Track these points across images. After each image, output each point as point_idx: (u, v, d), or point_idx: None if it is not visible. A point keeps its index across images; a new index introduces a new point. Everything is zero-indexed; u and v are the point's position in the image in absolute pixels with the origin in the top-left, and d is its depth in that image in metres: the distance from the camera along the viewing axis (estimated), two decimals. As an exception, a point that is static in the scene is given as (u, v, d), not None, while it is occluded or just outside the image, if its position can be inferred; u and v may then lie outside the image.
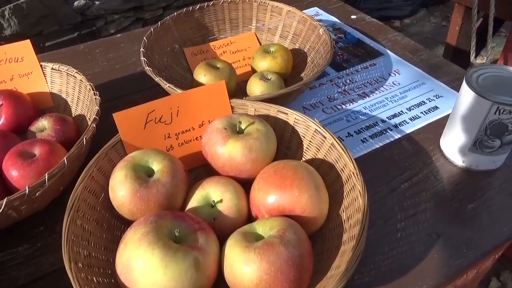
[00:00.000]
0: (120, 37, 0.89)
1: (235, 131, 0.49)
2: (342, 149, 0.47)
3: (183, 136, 0.53)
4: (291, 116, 0.53)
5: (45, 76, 0.63)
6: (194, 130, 0.54)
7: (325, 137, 0.50)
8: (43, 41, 2.14)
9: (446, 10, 3.09)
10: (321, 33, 0.70)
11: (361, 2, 2.97)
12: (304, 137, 0.53)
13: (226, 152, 0.47)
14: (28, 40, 0.61)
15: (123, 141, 0.49)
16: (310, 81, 0.60)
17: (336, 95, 0.72)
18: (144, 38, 0.67)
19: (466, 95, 0.52)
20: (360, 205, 0.41)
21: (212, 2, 0.78)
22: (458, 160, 0.57)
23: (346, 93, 0.72)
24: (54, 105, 0.64)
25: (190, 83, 0.74)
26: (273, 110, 0.54)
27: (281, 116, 0.54)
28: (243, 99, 0.56)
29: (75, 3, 2.17)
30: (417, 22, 2.97)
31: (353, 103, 0.70)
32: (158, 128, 0.51)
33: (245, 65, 0.77)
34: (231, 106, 0.55)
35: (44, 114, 0.58)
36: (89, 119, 0.59)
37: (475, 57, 1.06)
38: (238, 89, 0.72)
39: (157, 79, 0.60)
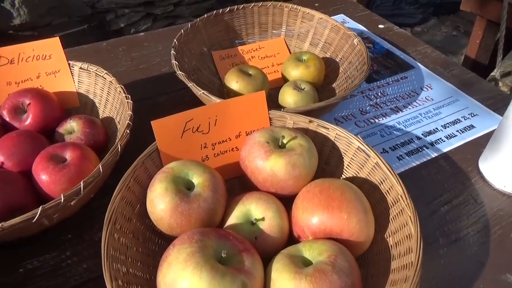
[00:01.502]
0: (144, 35, 0.87)
1: (277, 145, 0.47)
2: (388, 169, 0.45)
3: (219, 147, 0.51)
4: (332, 131, 0.51)
5: (72, 75, 0.61)
6: (231, 141, 0.51)
7: (368, 156, 0.48)
8: (51, 32, 2.11)
9: (457, 20, 3.08)
10: (356, 43, 0.68)
11: (372, 8, 2.96)
12: (345, 153, 0.51)
13: (268, 167, 0.45)
14: (57, 38, 0.59)
15: (159, 150, 0.47)
16: (350, 92, 0.58)
17: (368, 108, 0.70)
18: (175, 40, 0.65)
19: (514, 118, 0.50)
20: (412, 233, 0.40)
21: (242, 6, 0.75)
22: (500, 184, 0.55)
23: (378, 106, 0.70)
24: (80, 105, 0.62)
25: (217, 88, 0.71)
26: (313, 124, 0.52)
27: (321, 131, 0.52)
28: (281, 110, 0.54)
29: (86, -5, 2.14)
30: (428, 30, 2.96)
31: (386, 118, 0.68)
32: (195, 137, 0.49)
33: (274, 71, 0.75)
34: (269, 117, 0.53)
35: (73, 116, 0.56)
36: (118, 122, 0.57)
37: (500, 72, 1.04)
38: (268, 97, 0.69)
39: (190, 84, 0.57)
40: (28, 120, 0.54)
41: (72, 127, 0.55)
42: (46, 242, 0.48)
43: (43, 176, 0.46)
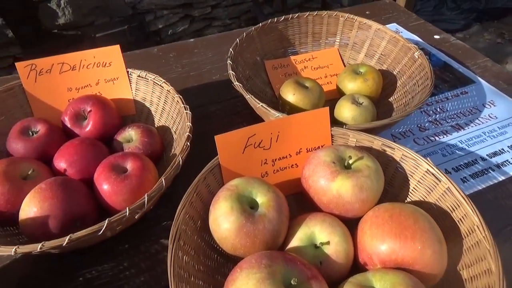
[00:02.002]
0: (193, 42, 0.86)
1: (343, 165, 0.45)
2: (462, 196, 0.42)
3: (279, 163, 0.50)
4: (398, 152, 0.49)
5: (130, 83, 0.61)
6: (291, 157, 0.50)
7: (439, 180, 0.45)
8: (94, 32, 2.16)
9: (501, 27, 2.95)
10: (417, 56, 0.65)
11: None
12: (411, 176, 0.48)
13: (334, 189, 0.43)
14: (118, 46, 0.59)
15: (221, 165, 0.46)
16: (415, 109, 0.55)
17: (427, 125, 0.67)
18: (231, 49, 0.64)
19: None
20: (492, 269, 0.37)
21: (297, 15, 0.74)
22: None
23: (438, 123, 0.67)
24: (136, 113, 0.62)
25: (269, 98, 0.70)
26: (377, 142, 0.50)
27: (386, 150, 0.49)
28: (342, 127, 0.52)
29: (128, -4, 2.19)
30: (470, 37, 2.84)
31: (447, 135, 0.64)
32: (256, 153, 0.48)
33: (327, 83, 0.73)
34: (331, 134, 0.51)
35: (131, 124, 0.56)
36: (175, 132, 0.57)
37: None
38: (320, 109, 0.67)
39: (248, 96, 0.56)
40: (89, 127, 0.55)
41: (130, 136, 0.55)
42: (104, 251, 0.48)
43: (105, 186, 0.46)
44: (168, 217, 0.52)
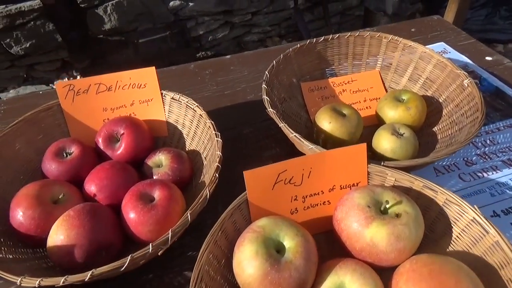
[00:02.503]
0: (230, 59, 0.86)
1: (379, 210, 0.42)
2: (513, 253, 0.38)
3: (310, 199, 0.47)
4: (441, 196, 0.45)
5: (164, 105, 0.61)
6: (323, 194, 0.47)
7: (486, 232, 0.41)
8: (137, 38, 2.22)
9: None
10: (466, 84, 0.61)
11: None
12: (454, 223, 0.44)
13: (368, 236, 0.40)
14: (153, 68, 0.59)
15: (249, 202, 0.44)
16: (459, 148, 0.51)
17: (474, 158, 0.62)
18: (266, 72, 0.62)
19: None
20: None
21: (337, 35, 0.71)
22: None
23: (487, 156, 0.62)
24: (168, 135, 0.61)
25: (304, 122, 0.68)
26: (417, 183, 0.46)
27: (427, 193, 0.46)
28: (381, 164, 0.48)
29: (171, 3, 2.23)
30: (525, 49, 2.66)
31: (497, 172, 0.59)
32: (286, 189, 0.46)
33: (366, 107, 0.69)
34: (367, 171, 0.48)
35: (161, 148, 0.56)
36: (205, 158, 0.56)
37: None
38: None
39: (281, 125, 0.54)
40: (120, 149, 0.55)
41: (161, 160, 0.54)
42: (128, 280, 0.48)
43: (132, 215, 0.46)
44: (193, 248, 0.51)
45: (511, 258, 0.38)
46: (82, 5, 2.07)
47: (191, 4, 2.27)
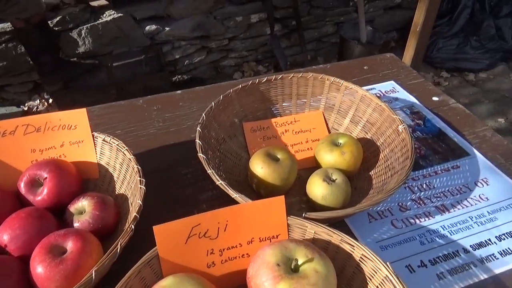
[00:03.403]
0: (180, 94, 0.85)
1: (289, 268, 0.41)
2: (420, 316, 0.37)
3: (228, 253, 0.46)
4: (358, 251, 0.44)
5: (95, 146, 0.59)
6: (242, 247, 0.46)
7: (398, 291, 0.40)
8: (110, 61, 2.22)
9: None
10: (400, 130, 0.61)
11: (433, 50, 2.81)
12: (370, 279, 0.44)
13: (275, 296, 0.39)
14: (84, 109, 0.58)
15: (160, 257, 0.43)
16: (384, 200, 0.51)
17: (409, 204, 0.62)
18: (203, 114, 0.62)
19: None
20: None
21: (280, 76, 0.71)
22: None
23: (421, 202, 0.62)
24: (99, 177, 0.60)
25: (244, 163, 0.67)
26: (336, 237, 0.46)
27: (345, 247, 0.45)
28: (302, 216, 0.48)
29: (147, 28, 2.24)
30: (494, 77, 2.74)
31: (429, 218, 0.59)
32: (201, 243, 0.44)
33: (308, 149, 0.69)
34: (287, 223, 0.47)
35: (86, 194, 0.54)
36: (131, 204, 0.55)
37: None
38: (297, 179, 0.64)
39: (209, 171, 0.53)
40: (42, 195, 0.53)
41: (83, 207, 0.53)
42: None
43: (39, 270, 0.44)
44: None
45: (418, 321, 0.37)
46: (56, 28, 2.07)
47: (167, 28, 2.29)
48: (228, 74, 2.59)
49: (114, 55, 2.26)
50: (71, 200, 0.54)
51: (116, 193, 0.58)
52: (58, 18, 2.04)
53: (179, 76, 2.50)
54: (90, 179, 0.60)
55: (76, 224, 0.51)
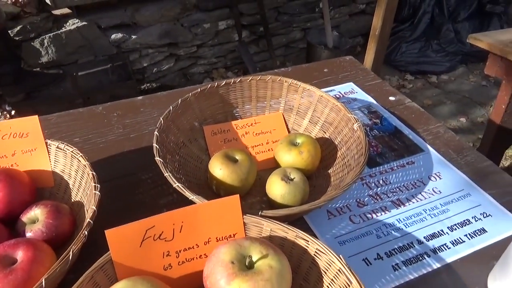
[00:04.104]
0: (141, 100, 0.85)
1: (244, 265, 0.42)
2: (370, 305, 0.38)
3: (185, 254, 0.46)
4: (312, 245, 0.45)
5: (49, 154, 0.58)
6: (199, 248, 0.46)
7: (350, 282, 0.41)
8: (76, 70, 2.17)
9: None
10: (356, 128, 0.63)
11: (397, 54, 2.91)
12: (325, 273, 0.45)
13: (230, 294, 0.39)
14: (36, 116, 0.57)
15: (114, 262, 0.42)
16: (338, 195, 0.52)
17: (366, 199, 0.63)
18: (161, 118, 0.62)
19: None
20: None
21: (239, 79, 0.72)
22: (511, 316, 0.47)
23: (378, 197, 0.64)
24: (54, 185, 0.59)
25: (205, 167, 0.67)
26: (291, 233, 0.46)
27: (300, 243, 0.46)
28: (259, 214, 0.48)
29: (112, 36, 2.22)
30: (455, 79, 2.86)
31: (385, 213, 0.61)
32: (157, 245, 0.44)
33: (268, 150, 0.70)
34: (244, 222, 0.47)
35: (39, 202, 0.53)
36: (87, 211, 0.54)
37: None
38: (257, 179, 0.64)
39: (166, 174, 0.53)
40: (-8, 205, 0.52)
41: (36, 216, 0.51)
42: None
43: (-13, 282, 0.42)
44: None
45: (369, 310, 0.39)
46: (17, 38, 2.01)
47: (134, 36, 2.27)
48: (197, 81, 2.58)
49: (80, 64, 2.22)
50: (23, 210, 0.53)
51: (72, 200, 0.57)
52: (18, 28, 1.99)
53: (148, 84, 2.47)
54: (45, 188, 0.59)
55: (28, 234, 0.50)
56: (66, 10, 2.10)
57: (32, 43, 2.06)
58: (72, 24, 2.10)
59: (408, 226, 0.59)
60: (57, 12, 2.08)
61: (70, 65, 2.21)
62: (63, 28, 2.10)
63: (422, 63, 2.91)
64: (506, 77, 1.19)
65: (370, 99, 0.87)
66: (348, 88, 0.90)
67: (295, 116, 0.74)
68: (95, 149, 0.71)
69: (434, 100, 2.61)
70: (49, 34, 2.07)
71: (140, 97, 0.85)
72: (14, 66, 1.98)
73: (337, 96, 0.87)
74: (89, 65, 2.23)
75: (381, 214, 0.61)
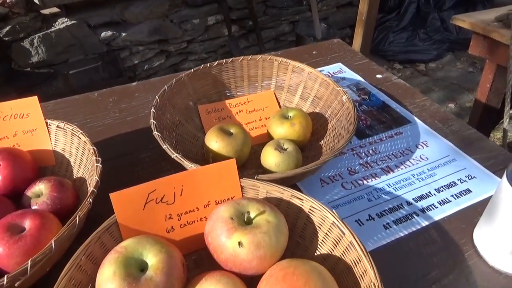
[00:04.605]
0: (135, 85, 0.87)
1: (243, 221, 0.44)
2: (363, 251, 0.41)
3: (186, 217, 0.48)
4: (307, 203, 0.48)
5: (49, 134, 0.60)
6: (199, 211, 0.49)
7: (343, 233, 0.44)
8: (67, 69, 2.18)
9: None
10: (345, 100, 0.66)
11: (385, 44, 2.95)
12: (319, 228, 0.47)
13: (231, 246, 0.42)
14: (36, 97, 0.59)
15: (119, 223, 0.44)
16: (330, 159, 0.55)
17: (357, 168, 0.66)
18: (157, 97, 0.64)
19: (507, 192, 0.46)
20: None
21: (231, 59, 0.74)
22: (495, 262, 0.50)
23: (368, 165, 0.66)
24: (56, 164, 0.61)
25: (201, 144, 0.70)
26: (286, 194, 0.49)
27: (295, 202, 0.48)
28: (255, 177, 0.51)
29: (102, 34, 2.22)
30: (443, 67, 2.91)
31: (375, 179, 0.64)
32: (159, 208, 0.46)
33: (262, 126, 0.73)
34: (241, 185, 0.50)
35: (42, 178, 0.55)
36: (89, 184, 0.56)
37: (509, 122, 0.99)
38: (252, 153, 0.67)
39: (164, 146, 0.56)
40: (-3, 181, 0.53)
41: (41, 190, 0.53)
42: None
43: (-2, 248, 0.44)
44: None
45: (362, 256, 0.41)
46: (6, 38, 2.01)
47: (123, 34, 2.28)
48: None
49: (70, 63, 2.22)
50: (27, 187, 0.55)
51: (74, 177, 0.59)
52: (7, 28, 1.98)
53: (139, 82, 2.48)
54: (47, 167, 0.61)
55: (34, 207, 0.52)
56: (55, 9, 2.10)
57: (21, 43, 2.06)
58: (61, 23, 2.10)
59: (398, 190, 0.62)
60: (45, 11, 2.08)
61: (61, 64, 2.21)
62: (52, 27, 2.10)
63: (410, 52, 2.96)
64: (489, 56, 1.23)
65: (358, 77, 0.90)
66: (336, 68, 0.93)
67: (286, 94, 0.77)
68: (93, 132, 0.73)
69: (423, 87, 2.66)
70: (39, 34, 2.07)
71: (134, 83, 0.87)
72: (5, 67, 1.98)
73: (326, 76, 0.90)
74: (80, 63, 2.24)
75: (372, 180, 0.64)
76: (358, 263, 0.42)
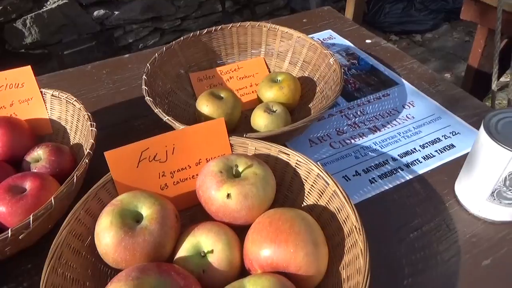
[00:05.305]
0: (128, 57, 0.88)
1: (231, 174, 0.46)
2: (345, 198, 0.44)
3: (179, 175, 0.51)
4: (293, 158, 0.50)
5: (45, 102, 0.62)
6: (191, 168, 0.51)
7: (327, 183, 0.46)
8: (62, 50, 2.17)
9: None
10: (332, 62, 0.67)
11: (381, 15, 2.92)
12: (306, 180, 0.50)
13: (220, 197, 0.44)
14: (29, 66, 0.60)
15: (114, 180, 0.47)
16: (316, 117, 0.56)
17: (345, 128, 0.68)
18: (148, 64, 0.66)
19: (485, 142, 0.48)
20: (361, 267, 0.38)
21: (220, 27, 0.75)
22: (474, 209, 0.53)
23: (356, 126, 0.69)
24: (53, 132, 0.63)
25: (193, 109, 0.71)
26: (274, 149, 0.51)
27: (282, 157, 0.51)
28: (243, 136, 0.53)
29: (95, 13, 2.20)
30: (439, 37, 2.89)
31: (362, 138, 0.66)
32: (152, 166, 0.49)
33: (252, 92, 0.74)
34: (230, 144, 0.52)
35: (40, 144, 0.57)
36: (86, 149, 0.58)
37: (496, 84, 1.01)
38: (243, 118, 0.69)
39: (156, 110, 0.57)
40: (-3, 148, 0.56)
41: (39, 155, 0.56)
42: (3, 273, 0.48)
43: (1, 208, 0.47)
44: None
45: (344, 203, 0.44)
46: (-2, 20, 2.00)
47: (116, 12, 2.26)
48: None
49: (64, 43, 2.21)
50: (26, 153, 0.57)
51: (71, 143, 0.61)
52: (-1, 9, 1.97)
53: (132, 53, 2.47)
54: (44, 136, 0.63)
55: (33, 171, 0.54)
56: (45, -11, 2.08)
57: (14, 24, 2.05)
58: (53, 2, 2.08)
59: (384, 147, 0.64)
60: (36, -9, 2.06)
61: (55, 45, 2.20)
62: (44, 7, 2.08)
63: (406, 22, 2.93)
64: (480, 20, 1.23)
65: (347, 43, 0.91)
66: (326, 35, 0.94)
67: (275, 60, 0.78)
68: (88, 103, 0.74)
69: (419, 58, 2.64)
70: (31, 14, 2.05)
71: (127, 55, 0.88)
72: (-1, 49, 1.97)
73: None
74: (74, 43, 2.23)
75: (359, 139, 0.66)
76: (341, 210, 0.44)
